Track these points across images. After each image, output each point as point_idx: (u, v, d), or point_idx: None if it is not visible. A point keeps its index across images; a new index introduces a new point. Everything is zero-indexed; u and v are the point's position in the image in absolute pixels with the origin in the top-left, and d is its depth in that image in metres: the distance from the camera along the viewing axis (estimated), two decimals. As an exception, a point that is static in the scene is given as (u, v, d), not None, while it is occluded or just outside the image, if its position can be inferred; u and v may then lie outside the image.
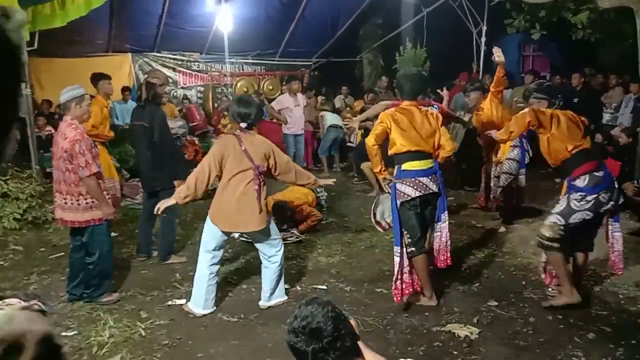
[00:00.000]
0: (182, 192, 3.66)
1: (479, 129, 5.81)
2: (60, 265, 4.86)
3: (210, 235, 3.78)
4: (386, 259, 4.89)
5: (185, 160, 7.44)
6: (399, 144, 3.73)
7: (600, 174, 3.59)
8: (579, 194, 3.58)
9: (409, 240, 3.76)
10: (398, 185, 3.74)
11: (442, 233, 3.93)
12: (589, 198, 3.55)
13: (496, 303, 3.91)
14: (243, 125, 3.71)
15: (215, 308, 3.88)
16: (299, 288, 4.30)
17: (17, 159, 7.14)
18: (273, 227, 3.92)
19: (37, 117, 8.21)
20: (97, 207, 3.81)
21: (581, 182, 3.58)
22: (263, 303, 3.95)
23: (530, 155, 5.73)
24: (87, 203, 3.80)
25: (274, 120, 8.42)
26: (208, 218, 3.78)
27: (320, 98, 10.02)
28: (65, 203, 3.81)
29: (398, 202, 3.75)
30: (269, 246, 3.89)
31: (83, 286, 4.02)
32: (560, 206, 3.66)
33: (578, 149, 3.62)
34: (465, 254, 4.90)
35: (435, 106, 4.79)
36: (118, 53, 10.45)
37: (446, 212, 3.93)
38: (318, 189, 6.09)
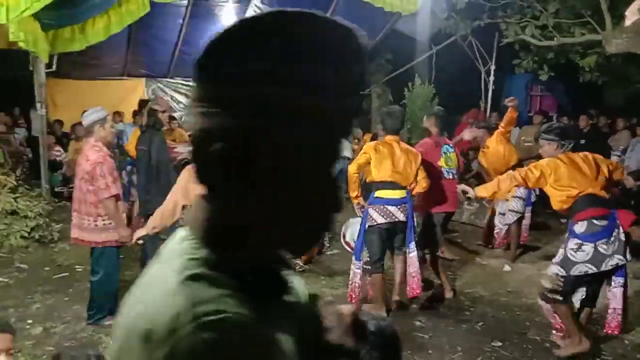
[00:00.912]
0: (150, 224, 3.62)
1: (485, 167, 5.86)
2: (65, 285, 4.88)
3: None
4: (389, 293, 4.88)
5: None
6: (374, 173, 4.14)
7: (601, 222, 3.43)
8: (575, 242, 3.45)
9: (368, 259, 4.22)
10: (369, 210, 4.16)
11: (411, 264, 4.21)
12: (585, 248, 3.41)
13: (500, 343, 3.88)
14: None
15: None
16: (301, 319, 4.27)
17: (27, 177, 7.25)
18: None
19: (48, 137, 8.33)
20: (113, 229, 3.87)
21: (579, 227, 3.47)
22: None
23: (537, 193, 5.75)
24: (104, 224, 3.86)
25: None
26: None
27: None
28: (83, 223, 3.87)
29: (366, 225, 4.16)
30: None
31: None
32: (559, 255, 3.56)
33: (582, 194, 3.50)
34: (469, 292, 4.88)
35: (450, 145, 4.77)
36: (132, 77, 10.65)
37: (413, 243, 4.22)
38: None
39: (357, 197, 4.26)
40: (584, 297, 3.74)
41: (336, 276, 5.29)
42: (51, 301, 4.53)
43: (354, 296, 4.25)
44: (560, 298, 3.52)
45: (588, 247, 3.41)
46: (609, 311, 3.64)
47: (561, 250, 3.57)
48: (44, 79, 6.82)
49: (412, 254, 4.19)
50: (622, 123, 8.07)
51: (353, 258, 4.31)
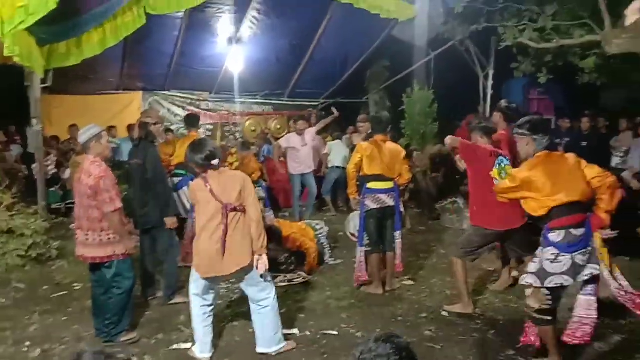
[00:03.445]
0: None
1: None
2: (63, 305, 4.76)
3: (196, 280, 3.64)
4: (398, 303, 4.78)
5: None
6: (366, 168, 4.92)
7: (578, 231, 3.21)
8: (551, 252, 3.23)
9: (367, 241, 4.99)
10: (364, 200, 4.96)
11: (397, 246, 5.03)
12: (561, 259, 3.19)
13: (513, 352, 3.76)
14: (215, 162, 3.52)
15: (213, 351, 3.75)
16: (308, 333, 4.16)
17: (23, 194, 7.13)
18: (254, 269, 3.61)
19: (48, 153, 8.24)
20: (119, 242, 3.85)
21: (555, 236, 3.23)
22: (260, 350, 3.76)
23: None
24: (109, 239, 3.82)
25: (282, 160, 8.41)
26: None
27: (327, 140, 10.05)
28: (87, 239, 3.84)
29: (363, 212, 4.97)
30: (257, 289, 3.67)
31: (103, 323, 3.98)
32: (535, 265, 3.33)
33: (559, 203, 3.22)
34: (478, 299, 4.76)
35: (505, 157, 4.45)
36: (129, 91, 10.57)
37: (399, 231, 5.04)
38: (317, 226, 6.02)
39: (354, 193, 5.09)
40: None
41: (341, 287, 5.18)
42: (50, 321, 4.41)
43: (361, 276, 5.00)
44: (549, 318, 3.32)
45: (565, 259, 3.19)
46: (574, 319, 3.31)
47: (536, 259, 3.35)
48: (39, 95, 6.74)
49: (399, 239, 5.04)
50: (624, 124, 8.01)
51: (357, 245, 5.07)
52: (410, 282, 5.29)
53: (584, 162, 3.35)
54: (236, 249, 3.48)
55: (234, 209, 3.48)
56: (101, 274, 3.96)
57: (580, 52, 7.60)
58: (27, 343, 3.98)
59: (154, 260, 4.92)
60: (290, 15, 9.21)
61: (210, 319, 3.73)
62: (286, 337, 3.89)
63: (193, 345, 3.80)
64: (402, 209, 5.21)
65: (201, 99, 11.33)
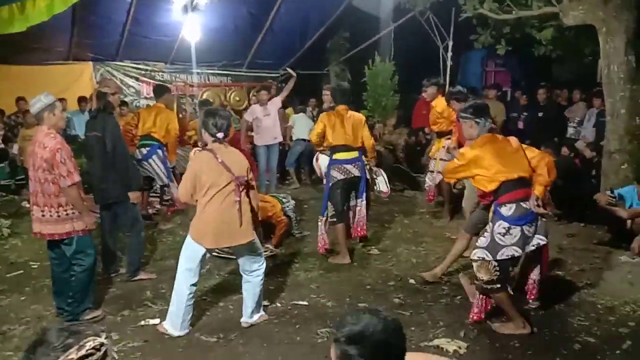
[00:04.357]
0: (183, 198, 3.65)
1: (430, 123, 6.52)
2: (20, 284, 4.56)
3: (193, 254, 3.58)
4: (365, 272, 4.82)
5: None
6: (331, 139, 4.97)
7: (526, 205, 3.46)
8: (502, 226, 3.43)
9: (333, 212, 5.02)
10: (331, 171, 4.99)
11: (361, 208, 5.14)
12: (512, 231, 3.41)
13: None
14: (220, 135, 3.55)
15: (191, 328, 3.69)
16: (278, 304, 4.15)
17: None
18: (257, 241, 3.76)
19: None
20: (78, 217, 3.67)
21: (507, 210, 3.45)
22: (245, 320, 3.78)
23: None
24: (67, 214, 3.65)
25: (249, 133, 8.23)
26: (189, 237, 3.59)
27: (287, 111, 9.92)
28: (44, 215, 3.64)
29: (329, 184, 5.01)
30: (252, 261, 3.73)
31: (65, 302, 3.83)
32: (485, 240, 3.51)
33: (508, 178, 3.47)
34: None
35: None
36: (79, 61, 10.05)
37: (364, 194, 5.12)
38: (283, 199, 5.99)
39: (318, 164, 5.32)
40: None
41: (309, 258, 5.18)
42: (6, 302, 4.21)
43: (322, 244, 5.14)
44: (499, 286, 3.48)
45: (516, 231, 3.41)
46: (530, 282, 3.83)
47: (487, 234, 3.52)
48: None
49: (363, 202, 5.14)
50: (578, 95, 8.26)
51: (320, 216, 5.15)
52: (377, 251, 5.34)
53: (524, 145, 3.69)
54: (248, 221, 3.57)
55: (245, 182, 3.54)
56: (60, 251, 3.80)
57: (537, 24, 7.73)
58: (-17, 325, 3.79)
59: (114, 236, 4.75)
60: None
61: (194, 298, 3.67)
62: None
63: (162, 321, 3.72)
64: (368, 176, 5.21)
65: (156, 69, 10.90)
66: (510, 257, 3.45)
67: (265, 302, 4.08)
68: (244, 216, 3.54)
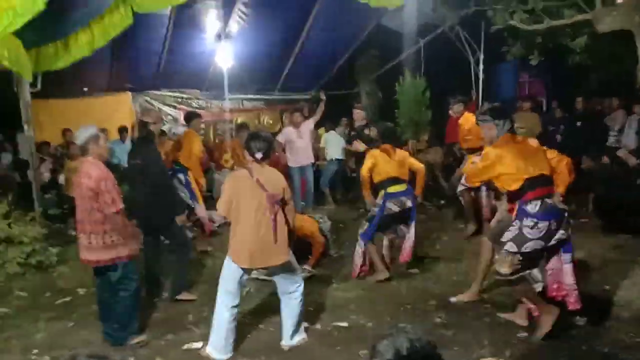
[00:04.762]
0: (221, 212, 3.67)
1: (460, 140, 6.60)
2: (68, 310, 4.70)
3: (231, 275, 3.63)
4: (404, 291, 4.78)
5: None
6: (383, 173, 5.13)
7: (551, 201, 3.53)
8: (530, 220, 3.49)
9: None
10: (386, 203, 5.08)
11: (410, 234, 5.19)
12: (540, 225, 3.47)
13: (525, 334, 3.77)
14: (258, 156, 3.63)
15: (233, 352, 3.72)
16: (319, 326, 4.14)
17: (19, 201, 7.01)
18: (294, 260, 3.78)
19: (42, 159, 8.13)
20: (122, 244, 3.80)
21: (532, 207, 3.51)
22: (285, 343, 3.79)
23: None
24: (112, 241, 3.77)
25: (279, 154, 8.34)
26: (228, 257, 3.65)
27: (319, 131, 10.00)
28: (90, 243, 3.77)
29: (382, 213, 5.09)
30: (290, 282, 3.76)
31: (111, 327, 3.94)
32: (512, 232, 3.56)
33: (532, 175, 3.55)
34: (485, 284, 4.75)
35: None
36: (118, 92, 10.44)
37: (414, 221, 5.20)
38: (320, 219, 6.02)
39: (368, 196, 5.23)
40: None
41: (347, 278, 5.17)
42: (56, 328, 4.34)
43: (359, 265, 5.18)
44: (521, 276, 3.58)
45: (544, 225, 3.48)
46: (565, 286, 3.69)
47: (513, 228, 3.57)
48: (29, 99, 6.61)
49: (412, 230, 5.20)
50: (616, 103, 8.04)
51: (362, 239, 5.14)
52: (416, 270, 5.29)
53: (543, 147, 3.79)
54: (283, 240, 3.59)
55: (281, 201, 3.56)
56: (106, 277, 3.91)
57: (570, 33, 7.60)
58: (35, 351, 3.92)
59: (158, 261, 4.87)
60: (278, 8, 9.12)
61: (236, 321, 3.72)
62: (298, 331, 3.89)
63: (204, 344, 3.76)
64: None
65: (192, 97, 11.22)
66: (534, 249, 3.50)
67: (305, 324, 4.08)
68: (279, 235, 3.56)
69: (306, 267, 5.41)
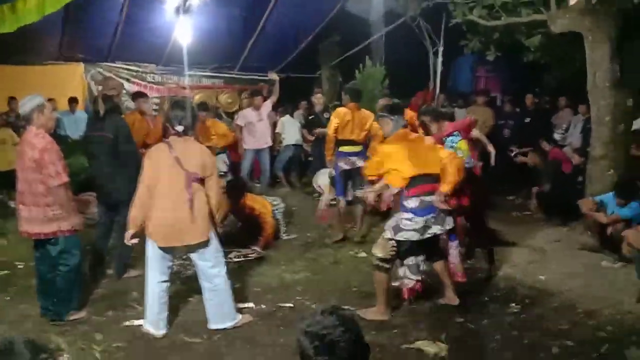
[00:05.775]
0: (136, 219, 3.51)
1: None
2: (6, 284, 4.58)
3: (152, 252, 3.57)
4: (352, 274, 4.86)
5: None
6: (340, 134, 5.51)
7: (429, 199, 3.74)
8: (408, 215, 3.75)
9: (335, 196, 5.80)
10: (338, 161, 5.61)
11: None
12: (416, 219, 3.73)
13: (462, 319, 3.93)
14: (179, 128, 3.53)
15: (168, 327, 3.70)
16: (263, 306, 4.18)
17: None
18: (215, 243, 3.65)
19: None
20: (65, 218, 3.69)
21: (412, 203, 3.75)
22: (213, 326, 3.74)
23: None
24: (54, 214, 3.66)
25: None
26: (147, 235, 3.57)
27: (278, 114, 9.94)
28: (31, 215, 3.67)
29: (338, 171, 5.64)
30: (210, 264, 3.63)
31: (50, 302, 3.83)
32: (392, 222, 3.85)
33: (417, 173, 3.74)
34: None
35: (455, 134, 4.64)
36: (69, 62, 10.03)
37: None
38: (274, 202, 6.03)
39: (330, 155, 5.66)
40: (422, 266, 4.03)
41: (296, 260, 5.22)
42: (-8, 301, 4.22)
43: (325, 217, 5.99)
44: (387, 267, 3.83)
45: (420, 220, 3.74)
46: (451, 266, 4.20)
47: (394, 218, 3.87)
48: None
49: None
50: (563, 102, 8.36)
51: (336, 194, 5.81)
52: (364, 254, 5.39)
53: (438, 146, 4.04)
54: (200, 219, 3.48)
55: (197, 180, 3.46)
56: (46, 250, 3.81)
57: (526, 31, 7.81)
58: (-31, 325, 3.80)
59: (108, 237, 4.77)
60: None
61: (167, 296, 3.67)
62: (241, 311, 3.90)
63: (146, 321, 3.74)
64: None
65: (147, 71, 10.90)
66: (407, 239, 3.76)
67: (250, 304, 4.11)
68: (196, 213, 3.45)
69: (255, 247, 5.43)
